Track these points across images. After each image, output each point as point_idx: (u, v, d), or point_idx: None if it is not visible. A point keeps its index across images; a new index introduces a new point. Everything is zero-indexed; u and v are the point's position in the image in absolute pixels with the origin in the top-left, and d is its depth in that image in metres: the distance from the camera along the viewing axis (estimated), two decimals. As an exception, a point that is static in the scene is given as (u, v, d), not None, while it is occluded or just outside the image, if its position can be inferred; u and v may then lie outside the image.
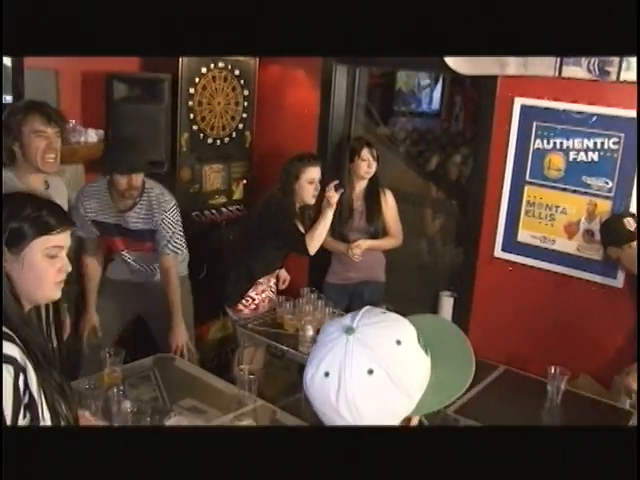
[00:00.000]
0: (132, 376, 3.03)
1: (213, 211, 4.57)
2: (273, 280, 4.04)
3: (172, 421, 2.47)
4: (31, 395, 1.61)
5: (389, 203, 4.07)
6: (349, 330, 1.15)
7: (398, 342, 1.15)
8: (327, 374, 1.14)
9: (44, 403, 1.65)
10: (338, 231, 4.02)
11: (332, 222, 3.77)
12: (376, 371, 1.12)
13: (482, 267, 3.83)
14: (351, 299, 4.09)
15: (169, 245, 3.48)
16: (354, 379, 1.12)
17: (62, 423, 1.71)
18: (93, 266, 3.62)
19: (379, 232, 4.05)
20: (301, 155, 3.82)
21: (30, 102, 3.02)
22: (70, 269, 1.81)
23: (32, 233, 1.70)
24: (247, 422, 2.69)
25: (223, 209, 4.62)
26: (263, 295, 3.94)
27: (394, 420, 1.17)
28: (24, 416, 1.61)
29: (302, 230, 3.75)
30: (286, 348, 3.49)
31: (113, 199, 3.41)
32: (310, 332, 3.39)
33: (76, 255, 3.51)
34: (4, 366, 1.54)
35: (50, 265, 1.75)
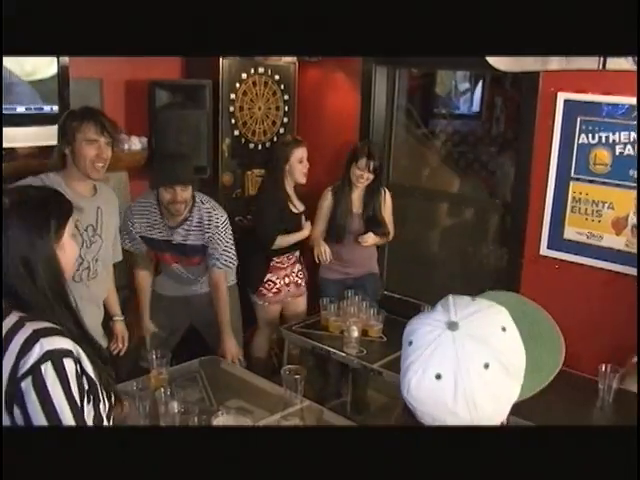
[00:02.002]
0: (179, 378, 3.07)
1: (255, 216, 4.58)
2: (298, 266, 4.20)
3: (219, 420, 2.48)
4: (90, 379, 1.65)
5: (387, 203, 4.18)
6: (453, 325, 1.10)
7: (503, 329, 1.12)
8: (439, 376, 1.08)
9: (99, 384, 1.69)
10: (334, 233, 4.10)
11: (330, 223, 4.10)
12: (492, 364, 1.08)
13: (528, 265, 3.78)
14: (350, 292, 4.00)
15: (220, 261, 3.54)
16: (472, 376, 1.07)
17: (112, 399, 1.75)
18: (145, 278, 3.69)
19: (378, 234, 4.12)
20: (287, 139, 4.16)
21: (87, 110, 3.05)
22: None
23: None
24: (294, 422, 2.69)
25: (265, 214, 4.63)
26: (286, 280, 4.10)
27: (507, 408, 1.15)
28: (89, 400, 1.64)
29: (296, 210, 4.09)
30: (331, 350, 3.48)
31: (162, 215, 3.46)
32: (355, 333, 3.39)
33: (128, 267, 3.61)
34: (66, 360, 1.57)
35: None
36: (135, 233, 3.51)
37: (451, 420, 1.09)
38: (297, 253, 4.19)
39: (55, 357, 1.56)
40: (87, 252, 3.00)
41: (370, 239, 4.04)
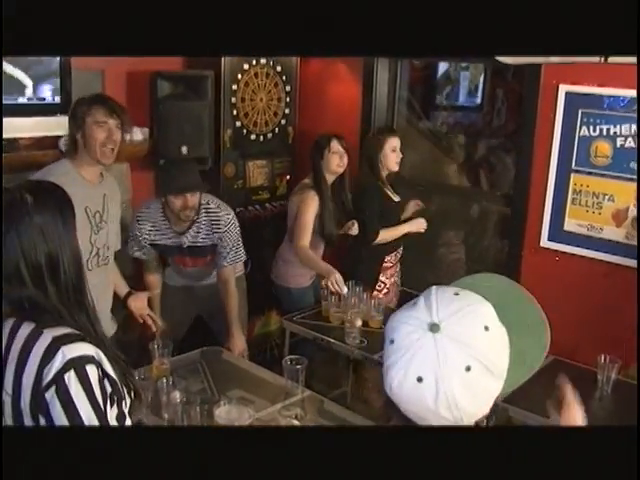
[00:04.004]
0: (180, 368, 3.08)
1: (257, 207, 4.61)
2: (399, 266, 4.08)
3: (221, 410, 2.50)
4: (112, 380, 1.63)
5: None
6: (434, 327, 1.08)
7: (486, 328, 1.10)
8: (420, 379, 1.08)
9: (121, 384, 1.68)
10: (329, 239, 3.95)
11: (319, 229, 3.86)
12: (473, 366, 1.07)
13: (528, 257, 3.79)
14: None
15: (229, 257, 3.55)
16: (453, 381, 1.07)
17: (133, 394, 1.73)
18: (155, 280, 3.71)
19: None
20: (380, 128, 4.17)
21: (96, 95, 3.08)
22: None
23: None
24: (295, 412, 2.71)
25: (267, 205, 4.65)
26: (392, 280, 4.01)
27: (489, 404, 1.15)
28: (112, 401, 1.63)
29: (396, 199, 3.99)
30: (332, 340, 3.50)
31: (169, 221, 3.46)
32: (359, 323, 3.41)
33: (137, 270, 3.67)
34: (89, 366, 1.56)
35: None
36: (143, 240, 3.51)
37: (433, 418, 1.10)
38: (401, 249, 4.08)
39: (78, 365, 1.54)
40: (96, 239, 3.02)
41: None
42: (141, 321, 3.36)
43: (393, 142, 3.89)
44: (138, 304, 3.36)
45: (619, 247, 3.44)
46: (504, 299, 1.19)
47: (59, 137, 3.53)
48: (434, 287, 1.16)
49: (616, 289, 3.47)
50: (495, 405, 2.83)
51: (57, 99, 3.53)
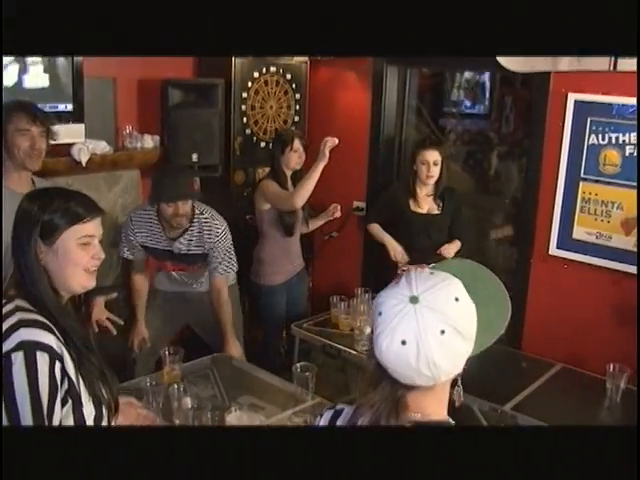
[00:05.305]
0: (191, 374, 3.09)
1: (266, 214, 4.61)
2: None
3: (232, 416, 2.51)
4: (70, 381, 1.67)
5: None
6: (414, 299, 1.27)
7: (456, 299, 1.29)
8: (404, 342, 1.25)
9: (82, 388, 1.70)
10: (287, 227, 4.00)
11: (278, 218, 3.95)
12: (447, 330, 1.25)
13: (537, 265, 3.80)
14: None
15: (220, 268, 3.55)
16: (430, 342, 1.25)
17: (103, 407, 1.76)
18: (141, 282, 3.70)
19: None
20: (420, 139, 4.29)
21: (17, 102, 3.00)
22: (103, 256, 1.83)
23: (63, 224, 1.74)
24: (305, 419, 2.72)
25: (276, 212, 4.65)
26: None
27: (462, 363, 1.32)
28: (65, 401, 1.66)
29: (421, 209, 3.98)
30: (342, 347, 3.51)
31: (163, 227, 3.46)
32: (369, 330, 3.40)
33: (125, 272, 3.70)
34: (40, 353, 1.60)
35: (84, 253, 1.78)
36: (135, 242, 3.52)
37: (416, 376, 1.27)
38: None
39: (28, 348, 1.59)
40: None
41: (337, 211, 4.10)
42: (96, 329, 3.28)
43: (424, 155, 3.87)
44: (95, 310, 3.30)
45: (628, 255, 3.44)
46: (473, 279, 1.38)
47: (71, 144, 3.56)
48: (413, 269, 1.38)
49: (625, 297, 3.47)
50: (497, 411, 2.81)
51: (69, 107, 3.56)
